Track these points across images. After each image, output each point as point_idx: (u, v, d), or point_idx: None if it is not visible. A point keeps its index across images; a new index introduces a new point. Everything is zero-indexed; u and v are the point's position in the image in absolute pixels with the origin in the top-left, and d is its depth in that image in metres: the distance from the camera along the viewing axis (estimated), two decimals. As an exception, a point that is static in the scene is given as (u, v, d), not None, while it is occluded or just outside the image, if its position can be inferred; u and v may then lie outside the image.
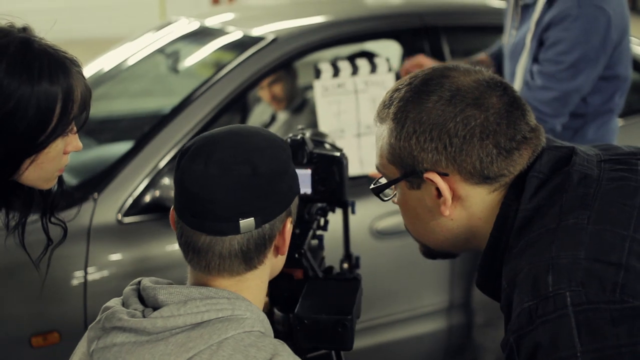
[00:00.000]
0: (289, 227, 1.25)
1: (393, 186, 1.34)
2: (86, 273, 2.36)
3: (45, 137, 1.42)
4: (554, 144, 1.31)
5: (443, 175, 1.26)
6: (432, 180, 1.27)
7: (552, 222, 1.21)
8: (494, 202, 1.29)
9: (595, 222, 1.19)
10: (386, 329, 2.83)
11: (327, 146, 1.71)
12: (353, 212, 1.79)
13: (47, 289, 2.29)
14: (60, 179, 1.59)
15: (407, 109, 1.27)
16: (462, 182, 1.27)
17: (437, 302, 2.90)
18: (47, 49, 1.43)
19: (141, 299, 1.23)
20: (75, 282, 2.36)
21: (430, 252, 1.41)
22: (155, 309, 1.19)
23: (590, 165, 1.28)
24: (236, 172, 1.17)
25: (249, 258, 1.21)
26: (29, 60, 1.39)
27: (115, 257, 2.42)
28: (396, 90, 1.31)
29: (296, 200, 1.28)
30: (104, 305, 1.25)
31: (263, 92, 3.67)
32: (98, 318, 1.23)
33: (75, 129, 1.49)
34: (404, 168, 1.29)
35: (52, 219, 1.62)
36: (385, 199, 1.35)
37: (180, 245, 1.24)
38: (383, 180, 1.35)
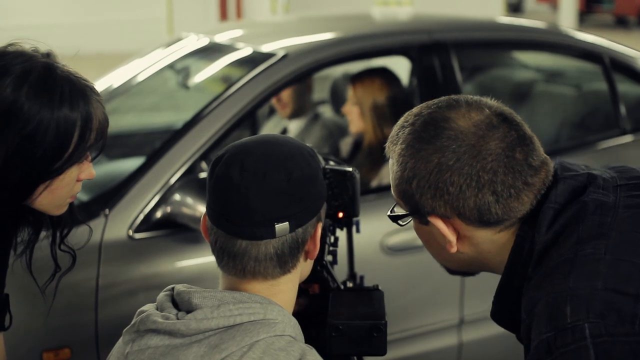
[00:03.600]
0: (319, 232, 1.29)
1: None
2: (97, 288, 2.37)
3: (61, 163, 1.43)
4: (569, 173, 1.29)
5: (445, 217, 1.27)
6: (435, 224, 1.28)
7: (569, 252, 1.20)
8: (504, 239, 1.29)
9: (612, 251, 1.18)
10: (397, 345, 2.83)
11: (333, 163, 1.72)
12: (357, 230, 1.80)
13: (58, 305, 2.29)
14: (72, 206, 1.59)
15: (407, 154, 1.28)
16: (465, 225, 1.28)
17: (448, 319, 2.89)
18: (69, 76, 1.44)
19: (175, 305, 1.26)
20: (86, 297, 2.36)
21: (449, 270, 1.43)
22: (189, 312, 1.22)
23: (607, 192, 1.26)
24: (271, 178, 1.21)
25: (284, 262, 1.25)
26: (51, 86, 1.41)
27: (127, 272, 2.42)
28: (402, 127, 1.32)
29: (325, 207, 1.32)
30: (139, 310, 1.28)
31: None
32: (133, 322, 1.26)
33: (90, 157, 1.50)
34: (409, 207, 1.31)
35: (62, 246, 1.63)
36: (403, 224, 1.37)
37: (214, 251, 1.27)
38: (398, 208, 1.37)
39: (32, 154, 1.40)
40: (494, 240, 1.29)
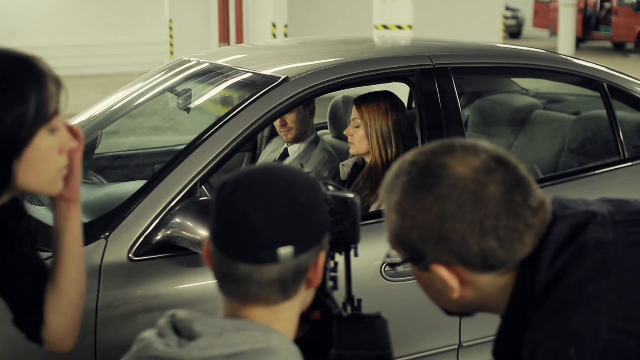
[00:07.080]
0: (322, 260, 1.29)
1: None
2: (97, 311, 2.36)
3: (24, 133, 1.38)
4: (568, 212, 1.29)
5: (448, 265, 1.27)
6: (437, 272, 1.27)
7: (571, 292, 1.20)
8: (505, 282, 1.29)
9: (615, 291, 1.18)
10: (396, 370, 2.82)
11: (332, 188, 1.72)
12: (356, 255, 1.80)
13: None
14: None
15: (406, 203, 1.27)
16: (468, 271, 1.27)
17: (447, 344, 2.88)
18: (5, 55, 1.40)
19: (176, 331, 1.25)
20: (85, 320, 2.35)
21: (447, 312, 1.43)
22: (190, 339, 1.21)
23: (606, 229, 1.26)
24: (277, 202, 1.22)
25: (287, 288, 1.24)
26: None
27: (126, 295, 2.42)
28: (397, 175, 1.30)
29: (328, 236, 1.32)
30: (139, 337, 1.27)
31: None
32: (135, 349, 1.25)
33: (61, 121, 1.44)
34: (409, 255, 1.30)
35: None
36: (401, 270, 1.37)
37: (217, 276, 1.26)
38: (393, 253, 1.35)
39: None
40: (496, 284, 1.29)
